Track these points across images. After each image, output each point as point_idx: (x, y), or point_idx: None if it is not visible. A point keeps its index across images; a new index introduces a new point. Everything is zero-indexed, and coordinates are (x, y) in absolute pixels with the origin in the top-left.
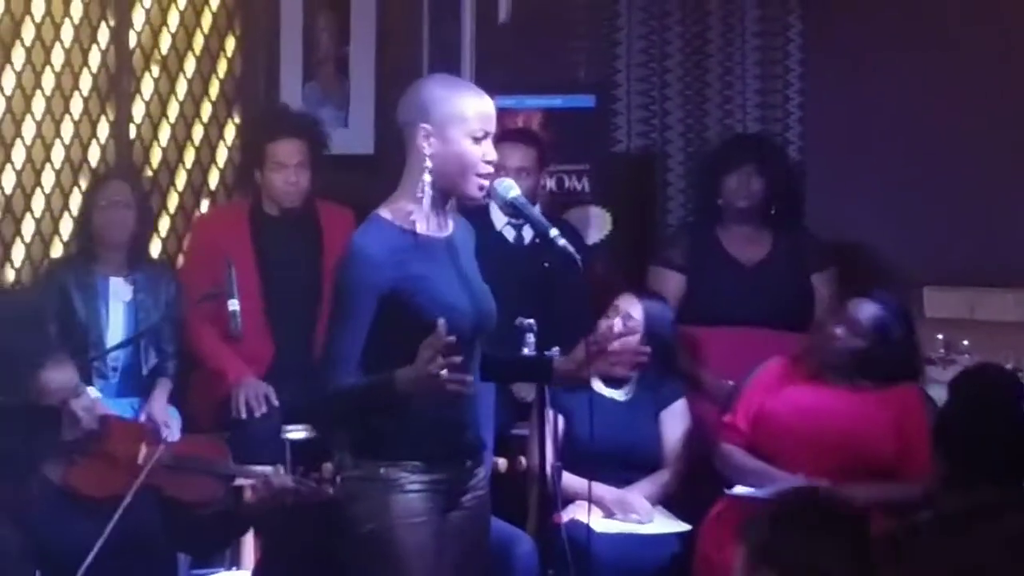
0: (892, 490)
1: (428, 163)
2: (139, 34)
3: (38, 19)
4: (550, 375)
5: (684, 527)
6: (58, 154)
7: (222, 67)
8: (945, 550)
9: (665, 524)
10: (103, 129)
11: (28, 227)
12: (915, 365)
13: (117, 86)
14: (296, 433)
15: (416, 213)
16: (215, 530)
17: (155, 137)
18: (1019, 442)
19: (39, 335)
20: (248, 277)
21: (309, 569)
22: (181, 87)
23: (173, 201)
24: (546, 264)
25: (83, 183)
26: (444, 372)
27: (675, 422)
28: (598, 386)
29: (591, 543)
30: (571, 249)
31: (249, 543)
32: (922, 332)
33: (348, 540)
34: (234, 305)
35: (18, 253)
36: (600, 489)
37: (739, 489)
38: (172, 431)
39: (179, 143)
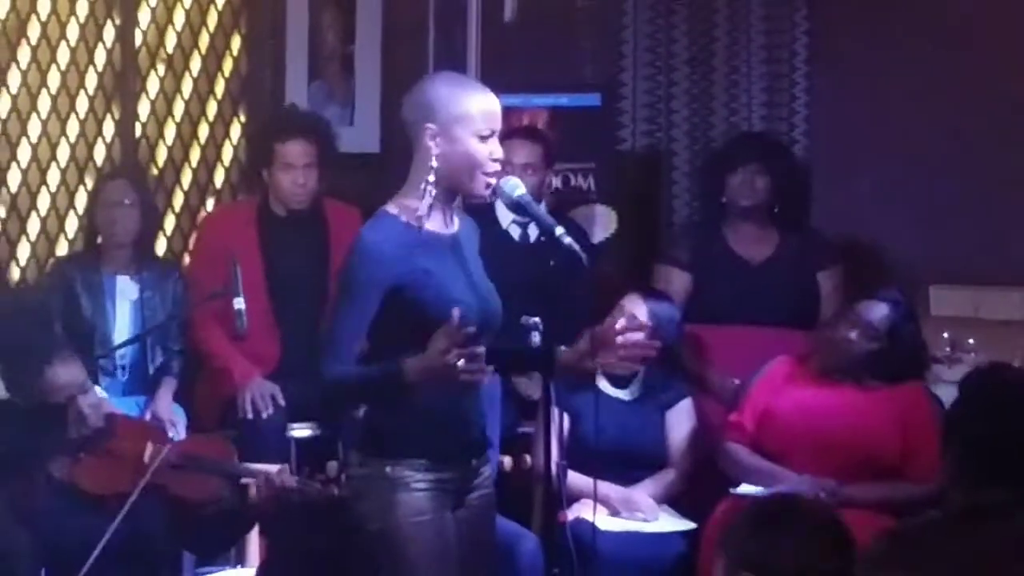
0: (897, 489)
1: (434, 163)
2: (145, 33)
3: (44, 18)
4: (553, 366)
5: (689, 526)
6: (63, 153)
7: (228, 65)
8: (954, 550)
9: (670, 523)
10: (108, 128)
11: (34, 226)
12: (922, 363)
13: (123, 85)
14: (301, 431)
15: (422, 210)
16: (220, 529)
17: (161, 136)
18: None
19: (48, 332)
20: (255, 276)
21: (314, 568)
22: (187, 86)
23: (179, 200)
24: (552, 263)
25: (88, 182)
26: (461, 362)
27: (681, 421)
28: (604, 385)
29: (596, 542)
30: (577, 248)
31: (254, 542)
32: (927, 331)
33: (354, 538)
34: (239, 304)
35: (23, 252)
36: (605, 488)
37: (744, 488)
38: (178, 430)
39: (185, 142)
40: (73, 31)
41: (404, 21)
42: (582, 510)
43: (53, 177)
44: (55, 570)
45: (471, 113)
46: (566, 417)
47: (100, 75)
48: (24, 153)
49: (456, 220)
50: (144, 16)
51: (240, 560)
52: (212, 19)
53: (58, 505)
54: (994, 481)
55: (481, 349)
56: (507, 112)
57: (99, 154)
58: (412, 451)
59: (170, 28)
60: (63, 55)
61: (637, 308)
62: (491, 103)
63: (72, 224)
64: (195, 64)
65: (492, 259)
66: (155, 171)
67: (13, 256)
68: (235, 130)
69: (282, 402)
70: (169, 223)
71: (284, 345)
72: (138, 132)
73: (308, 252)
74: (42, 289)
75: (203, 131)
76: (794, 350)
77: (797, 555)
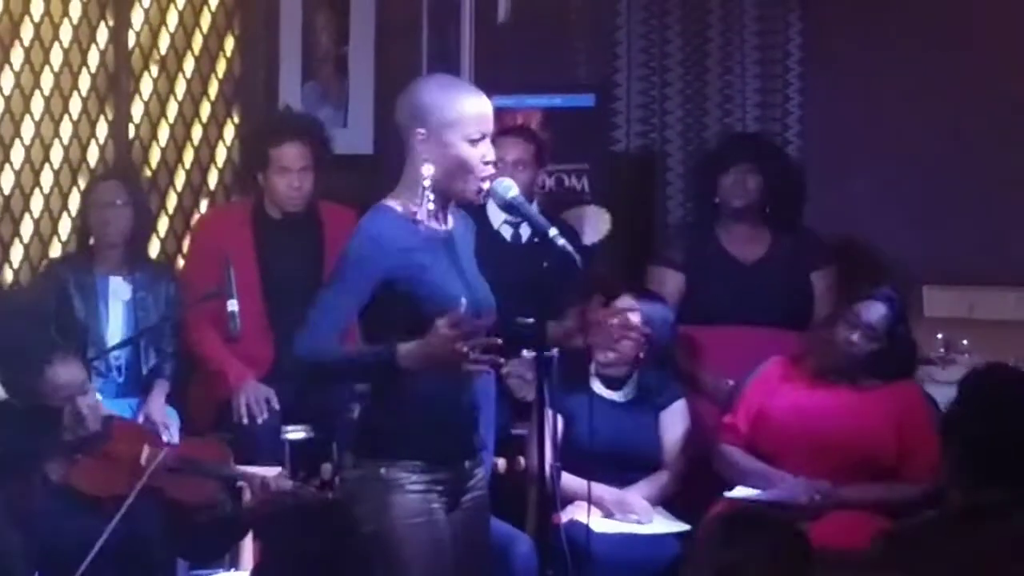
0: (892, 490)
1: (425, 169)
2: (138, 34)
3: (37, 19)
4: (545, 340)
5: (683, 527)
6: (57, 154)
7: (221, 67)
8: (952, 550)
9: (664, 524)
10: (102, 129)
11: (27, 228)
12: (915, 361)
13: (116, 86)
14: (296, 434)
15: (421, 215)
16: (214, 536)
17: (154, 137)
18: None
19: (47, 333)
20: (249, 278)
21: (308, 570)
22: (180, 87)
23: (172, 201)
24: (545, 264)
25: (82, 183)
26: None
27: (674, 423)
28: (597, 387)
29: (590, 543)
30: (570, 249)
31: (248, 545)
32: (922, 331)
33: (348, 541)
34: (233, 306)
35: (16, 254)
36: (599, 489)
37: (738, 491)
38: (171, 432)
39: (178, 143)
40: (66, 32)
41: (398, 22)
42: (576, 512)
43: (46, 179)
44: (49, 572)
45: (461, 117)
46: (560, 419)
47: (93, 76)
48: (17, 154)
49: (451, 218)
50: (137, 17)
51: (234, 563)
52: (205, 20)
53: (54, 507)
54: (992, 481)
55: (498, 340)
56: (501, 113)
57: (92, 156)
58: (406, 452)
59: (163, 29)
60: (56, 56)
61: (631, 309)
62: (481, 106)
63: (66, 226)
64: (188, 65)
65: (484, 260)
66: (148, 172)
67: (6, 258)
68: (228, 131)
69: (276, 406)
70: (162, 225)
71: (278, 347)
72: (131, 133)
73: (303, 254)
74: (36, 290)
75: (196, 132)
76: (788, 350)
77: (759, 567)
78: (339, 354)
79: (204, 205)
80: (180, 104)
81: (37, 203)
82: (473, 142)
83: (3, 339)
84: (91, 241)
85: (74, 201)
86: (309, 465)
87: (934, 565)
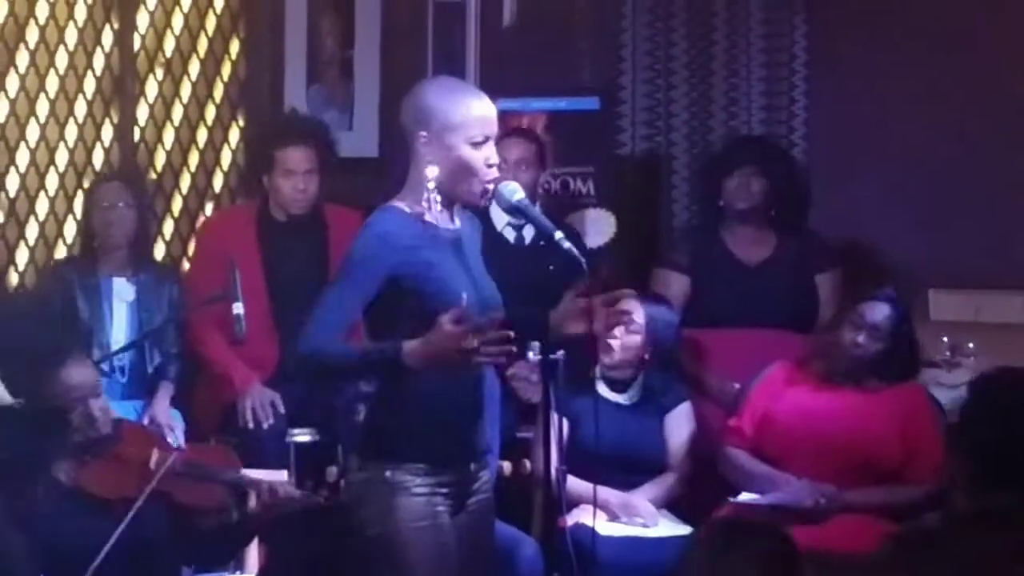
0: (897, 493)
1: (429, 171)
2: (143, 37)
3: (42, 22)
4: (547, 329)
5: (689, 530)
6: (62, 157)
7: (226, 70)
8: (959, 554)
9: (670, 527)
10: (107, 132)
11: (32, 231)
12: (918, 361)
13: (121, 89)
14: (301, 437)
15: (424, 210)
16: (219, 542)
17: (159, 140)
18: None
19: (57, 335)
20: (254, 281)
21: (313, 573)
22: (185, 90)
23: (177, 204)
24: (551, 267)
25: (87, 186)
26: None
27: (680, 425)
28: (603, 390)
29: (596, 546)
30: (575, 252)
31: (253, 548)
32: (927, 335)
33: (353, 543)
34: (238, 308)
35: (22, 257)
36: (605, 492)
37: (744, 497)
38: (176, 435)
39: (183, 146)
40: (71, 35)
41: (403, 25)
42: (581, 515)
43: (51, 182)
44: (55, 574)
45: (464, 120)
46: (565, 422)
47: (98, 79)
48: (22, 158)
49: (457, 219)
50: (143, 20)
51: (239, 566)
52: (211, 23)
53: (61, 508)
54: (1000, 485)
55: (509, 333)
56: (506, 116)
57: (97, 159)
58: (412, 455)
59: (168, 32)
60: (61, 59)
61: (635, 311)
62: (484, 108)
63: (71, 229)
64: (194, 68)
65: (487, 262)
66: (154, 175)
67: (12, 261)
68: (234, 134)
69: (282, 409)
70: (168, 228)
71: (283, 349)
72: (137, 136)
73: (308, 257)
74: (41, 292)
75: (202, 135)
76: (792, 353)
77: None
78: (343, 351)
79: (209, 208)
80: (185, 107)
81: (42, 206)
82: (476, 145)
83: (12, 341)
84: (95, 243)
85: (79, 204)
86: (314, 468)
87: (941, 569)
